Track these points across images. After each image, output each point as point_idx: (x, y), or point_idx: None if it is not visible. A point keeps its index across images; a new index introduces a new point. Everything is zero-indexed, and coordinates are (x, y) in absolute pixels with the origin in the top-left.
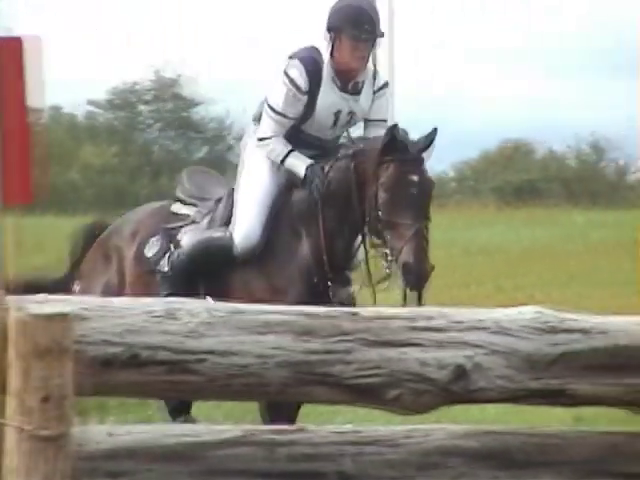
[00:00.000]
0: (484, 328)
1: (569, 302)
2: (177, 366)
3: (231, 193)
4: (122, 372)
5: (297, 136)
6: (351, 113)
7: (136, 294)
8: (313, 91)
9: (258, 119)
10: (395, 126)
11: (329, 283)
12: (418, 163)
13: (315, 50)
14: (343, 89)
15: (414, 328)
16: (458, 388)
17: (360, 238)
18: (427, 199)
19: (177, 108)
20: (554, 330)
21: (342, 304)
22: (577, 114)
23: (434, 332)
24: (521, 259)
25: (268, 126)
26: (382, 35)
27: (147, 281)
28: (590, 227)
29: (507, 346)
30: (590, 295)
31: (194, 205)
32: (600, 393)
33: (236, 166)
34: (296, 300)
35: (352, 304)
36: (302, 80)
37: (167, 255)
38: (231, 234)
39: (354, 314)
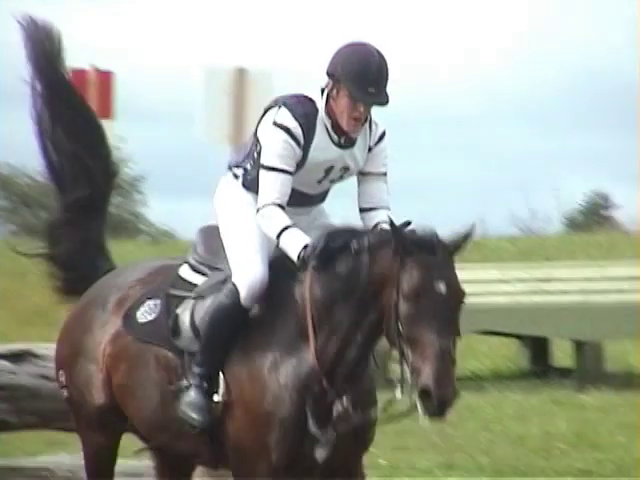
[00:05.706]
0: None
1: None
2: None
3: None
4: None
5: None
6: (344, 169)
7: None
8: (306, 143)
9: (236, 166)
10: (408, 223)
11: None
12: (446, 267)
13: (303, 98)
14: (338, 143)
15: None
16: None
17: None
18: (456, 311)
19: None
20: None
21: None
22: None
23: None
24: None
25: (269, 190)
26: (387, 102)
27: (133, 353)
28: None
29: None
30: None
31: (204, 274)
32: None
33: None
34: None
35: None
36: (298, 130)
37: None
38: (234, 285)
39: None
